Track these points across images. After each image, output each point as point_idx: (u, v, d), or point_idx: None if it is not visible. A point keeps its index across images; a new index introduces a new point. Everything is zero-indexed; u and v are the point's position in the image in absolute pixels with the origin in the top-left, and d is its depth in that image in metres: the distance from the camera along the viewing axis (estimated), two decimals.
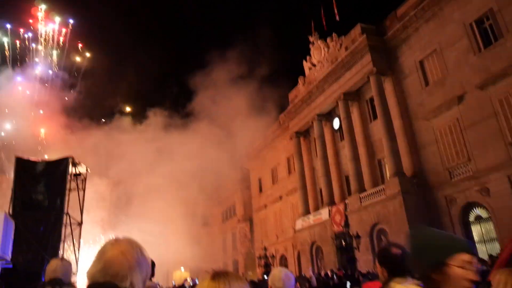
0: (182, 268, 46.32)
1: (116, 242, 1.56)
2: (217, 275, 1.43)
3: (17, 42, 38.91)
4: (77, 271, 16.11)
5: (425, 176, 22.46)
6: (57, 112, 36.47)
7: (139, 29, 61.71)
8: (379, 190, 23.65)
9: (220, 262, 50.33)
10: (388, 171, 24.42)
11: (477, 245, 19.58)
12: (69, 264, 3.51)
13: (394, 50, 25.05)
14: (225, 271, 1.45)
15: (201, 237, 51.84)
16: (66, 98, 39.17)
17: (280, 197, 38.20)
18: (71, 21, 40.45)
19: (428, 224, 21.00)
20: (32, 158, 17.47)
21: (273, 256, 32.42)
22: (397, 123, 24.02)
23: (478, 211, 20.08)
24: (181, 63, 66.77)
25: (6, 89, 34.39)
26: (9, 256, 6.12)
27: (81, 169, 19.01)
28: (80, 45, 41.52)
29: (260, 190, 43.10)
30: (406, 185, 22.16)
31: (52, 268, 3.32)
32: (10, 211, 14.68)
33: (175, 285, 27.37)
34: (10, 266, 6.59)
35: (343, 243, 22.24)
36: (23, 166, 16.38)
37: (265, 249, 31.87)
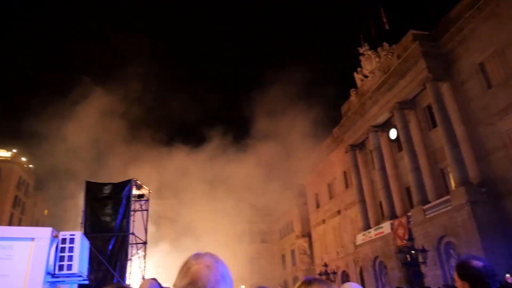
0: (242, 286, 46.47)
1: (199, 256, 1.56)
2: (309, 281, 1.52)
3: None
4: None
5: (494, 184, 21.04)
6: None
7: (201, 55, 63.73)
8: (444, 201, 22.47)
9: (280, 279, 49.93)
10: (453, 180, 23.19)
11: None
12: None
13: (450, 54, 24.06)
14: (316, 278, 1.54)
15: (260, 254, 51.90)
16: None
17: (339, 212, 37.47)
18: None
19: (501, 235, 19.62)
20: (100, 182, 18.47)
21: (334, 273, 31.61)
22: (459, 129, 22.88)
23: None
24: (238, 89, 68.36)
25: None
26: (86, 273, 6.54)
27: (144, 191, 19.90)
28: None
29: (318, 205, 42.55)
30: (474, 194, 20.89)
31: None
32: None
33: None
34: (87, 282, 7.04)
35: (408, 257, 21.28)
36: (92, 190, 17.42)
37: (326, 265, 31.19)
